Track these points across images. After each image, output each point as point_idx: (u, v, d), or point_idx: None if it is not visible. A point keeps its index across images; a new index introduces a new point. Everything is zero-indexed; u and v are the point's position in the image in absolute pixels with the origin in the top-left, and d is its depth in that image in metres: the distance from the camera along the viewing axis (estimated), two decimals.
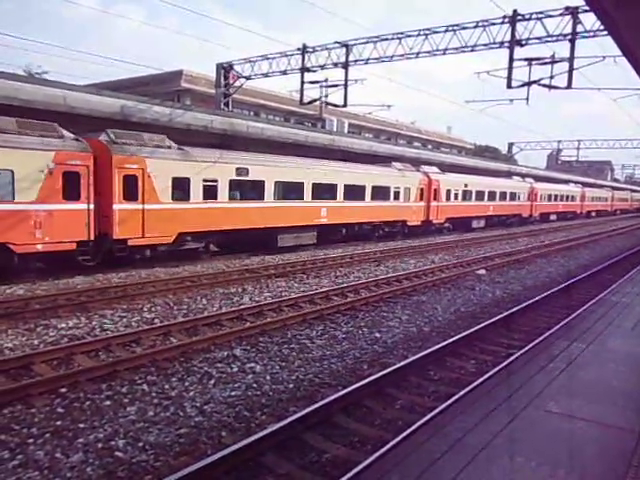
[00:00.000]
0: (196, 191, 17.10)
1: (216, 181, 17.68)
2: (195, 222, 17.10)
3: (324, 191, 22.35)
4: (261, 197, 19.47)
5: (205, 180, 17.34)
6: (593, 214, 61.15)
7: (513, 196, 40.35)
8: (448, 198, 31.44)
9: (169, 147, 16.60)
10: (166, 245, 16.41)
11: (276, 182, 19.93)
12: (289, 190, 20.73)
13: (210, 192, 17.55)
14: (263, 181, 19.43)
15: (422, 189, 29.05)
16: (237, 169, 18.36)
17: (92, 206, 14.38)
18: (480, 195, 35.33)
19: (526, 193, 42.45)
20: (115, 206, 14.82)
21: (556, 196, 48.95)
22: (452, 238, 29.19)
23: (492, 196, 36.93)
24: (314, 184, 21.66)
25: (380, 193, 25.83)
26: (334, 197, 22.98)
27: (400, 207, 27.38)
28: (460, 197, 32.84)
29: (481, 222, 36.34)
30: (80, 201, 14.15)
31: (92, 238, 14.45)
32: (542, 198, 45.43)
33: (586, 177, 69.60)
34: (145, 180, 15.48)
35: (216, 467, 4.98)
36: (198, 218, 17.15)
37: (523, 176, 45.36)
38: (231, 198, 18.33)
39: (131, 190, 15.20)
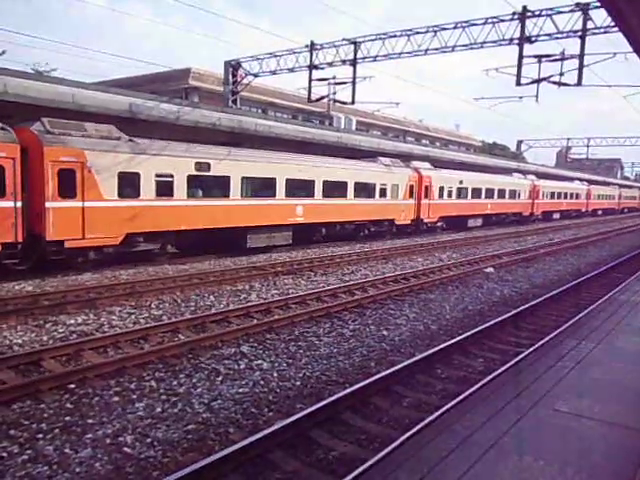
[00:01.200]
0: (147, 187, 15.72)
1: (171, 176, 16.32)
2: (147, 221, 15.68)
3: (300, 188, 20.95)
4: (226, 194, 18.12)
5: (159, 175, 15.97)
6: (599, 212, 59.93)
7: (513, 194, 39.00)
8: (441, 196, 30.04)
9: (118, 138, 15.25)
10: (113, 247, 15.06)
11: (244, 178, 18.59)
12: (259, 187, 19.41)
13: (164, 188, 16.19)
14: (228, 177, 18.08)
15: (412, 186, 27.61)
16: (197, 164, 16.99)
17: (20, 204, 13.02)
18: (477, 192, 33.86)
19: (527, 190, 41.07)
20: (48, 204, 13.44)
21: (559, 194, 47.47)
22: (459, 236, 29.09)
23: (490, 194, 35.58)
24: (288, 180, 20.29)
25: (364, 190, 24.47)
26: (311, 194, 21.49)
27: (387, 205, 25.97)
28: (455, 195, 31.42)
29: (478, 221, 34.97)
30: (5, 198, 12.79)
31: (20, 240, 13.05)
32: (544, 196, 44.02)
33: (595, 175, 68.91)
34: (85, 175, 14.12)
35: (223, 463, 4.99)
36: (151, 217, 15.74)
37: (525, 173, 43.99)
38: (191, 195, 17.00)
39: (68, 186, 13.83)
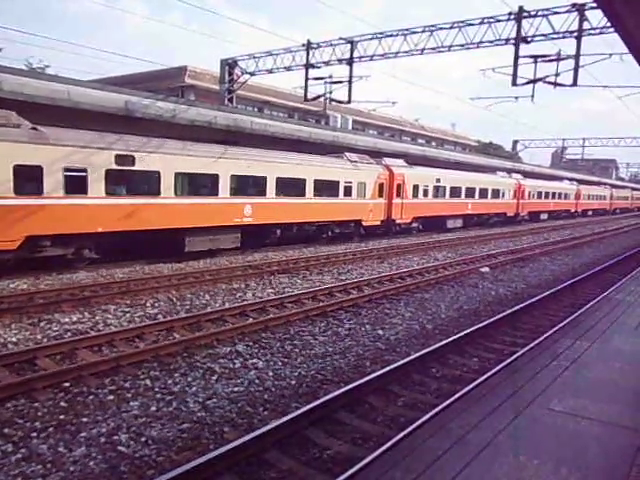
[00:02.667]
0: (53, 183, 13.71)
1: (84, 171, 14.27)
2: (54, 222, 13.70)
3: (248, 185, 19.20)
4: (157, 192, 16.08)
5: (68, 170, 13.92)
6: (590, 213, 58.76)
7: (496, 193, 37.35)
8: (416, 195, 28.23)
9: (17, 126, 13.19)
10: (10, 252, 13.03)
11: (177, 174, 16.63)
12: (198, 184, 17.65)
13: (76, 184, 14.10)
14: (158, 172, 16.05)
15: (381, 184, 25.70)
16: (118, 157, 14.93)
17: None
18: (456, 191, 32.15)
19: (512, 190, 39.55)
20: None
21: (547, 193, 46.07)
22: (456, 236, 29.13)
23: (471, 193, 33.84)
24: (234, 177, 18.42)
25: (326, 188, 22.48)
26: (262, 193, 19.53)
27: (353, 205, 24.05)
28: (431, 193, 29.66)
29: (458, 222, 33.25)
30: None
31: None
32: (530, 195, 42.62)
33: (589, 175, 68.92)
34: None
35: (218, 462, 4.98)
36: (59, 217, 13.76)
37: (510, 172, 42.46)
38: (111, 193, 14.89)
39: None
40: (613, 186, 70.73)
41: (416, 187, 28.24)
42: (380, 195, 25.78)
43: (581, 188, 54.46)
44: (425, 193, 29.19)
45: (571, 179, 55.69)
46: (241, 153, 18.94)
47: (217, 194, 17.95)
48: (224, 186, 18.14)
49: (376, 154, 27.66)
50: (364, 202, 24.82)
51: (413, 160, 30.28)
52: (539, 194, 44.41)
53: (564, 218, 49.88)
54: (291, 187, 20.89)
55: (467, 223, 34.36)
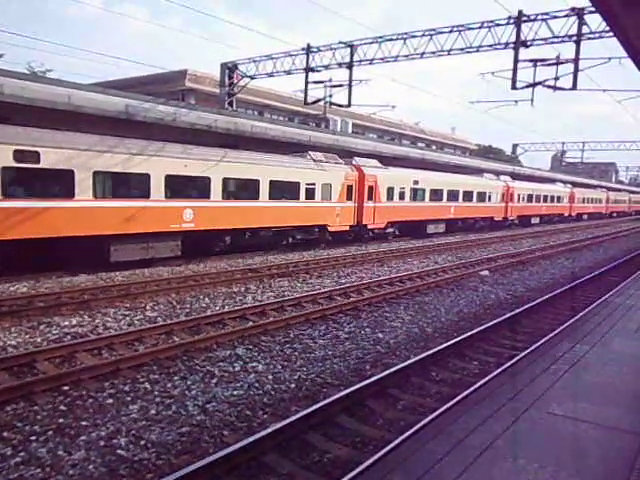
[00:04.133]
0: None
1: None
2: None
3: (188, 187, 17.30)
4: (70, 194, 14.09)
5: None
6: (585, 217, 57.03)
7: (482, 196, 35.38)
8: (390, 197, 26.19)
9: None
10: None
11: (97, 173, 14.57)
12: (124, 185, 15.59)
13: None
14: (72, 171, 14.05)
15: (350, 186, 23.72)
16: (17, 153, 12.97)
17: None
18: (437, 194, 30.20)
19: (499, 193, 37.57)
20: None
21: (538, 196, 44.07)
22: (455, 239, 29.12)
23: (453, 196, 31.91)
24: (170, 177, 16.37)
25: (284, 190, 20.53)
26: (205, 195, 17.60)
27: (316, 208, 21.91)
28: (408, 196, 27.66)
29: (440, 226, 31.23)
30: None
31: None
32: (520, 199, 40.82)
33: (590, 178, 68.72)
34: None
35: (218, 466, 4.98)
36: None
37: (498, 174, 40.71)
38: (9, 195, 12.99)
39: None
40: (609, 189, 69.05)
41: (391, 189, 26.30)
42: (349, 198, 23.84)
43: (575, 191, 52.87)
44: (401, 196, 27.20)
45: (565, 182, 54.37)
46: (178, 151, 16.93)
47: (149, 196, 15.89)
48: (157, 188, 16.07)
49: (345, 152, 26.30)
50: (330, 205, 22.78)
51: (388, 161, 28.92)
52: (529, 197, 42.60)
53: (564, 222, 49.57)
54: (241, 189, 19.11)
55: (450, 228, 32.54)
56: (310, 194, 21.72)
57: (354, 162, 25.00)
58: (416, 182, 28.34)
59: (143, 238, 15.84)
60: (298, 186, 21.18)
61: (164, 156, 16.31)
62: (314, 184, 21.85)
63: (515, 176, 43.97)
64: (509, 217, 39.46)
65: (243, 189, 19.18)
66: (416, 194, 28.45)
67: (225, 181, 18.22)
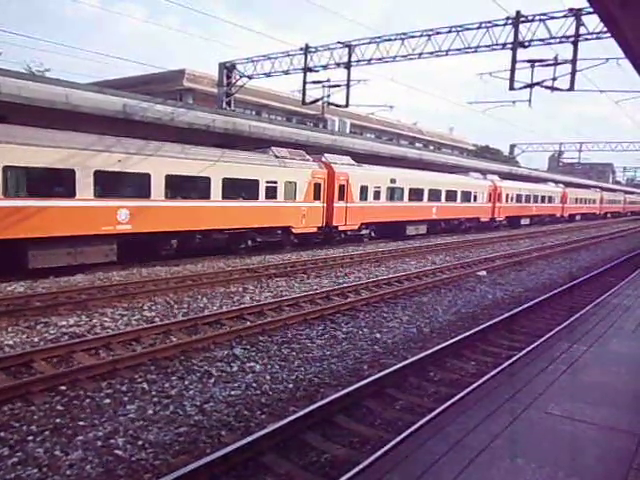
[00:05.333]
0: None
1: None
2: None
3: (124, 184, 15.59)
4: None
5: None
6: (578, 218, 55.65)
7: (467, 196, 33.69)
8: (364, 197, 24.63)
9: None
10: None
11: (8, 169, 13.00)
12: (44, 182, 13.92)
13: None
14: None
15: (317, 184, 22.02)
16: None
17: None
18: (417, 194, 28.57)
19: (486, 192, 35.94)
20: None
21: (528, 197, 42.58)
22: (453, 240, 29.14)
23: (435, 195, 30.27)
24: (99, 174, 14.64)
25: (240, 189, 18.98)
26: (144, 194, 15.90)
27: (278, 208, 20.33)
28: (384, 196, 26.08)
29: (421, 228, 29.65)
30: None
31: None
32: (509, 199, 39.28)
33: (587, 179, 68.73)
34: None
35: (215, 466, 4.97)
36: None
37: (484, 173, 38.93)
38: None
39: None
40: (604, 189, 67.80)
41: (364, 188, 24.69)
42: (317, 197, 22.14)
43: (567, 191, 51.49)
44: (376, 195, 25.57)
45: (557, 181, 53.39)
46: (110, 144, 15.15)
47: (74, 195, 14.20)
48: (84, 185, 14.36)
49: (315, 148, 25.09)
50: (294, 205, 21.06)
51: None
52: (519, 197, 41.17)
53: (561, 223, 49.50)
54: (189, 187, 17.46)
55: (433, 230, 31.15)
56: (271, 193, 20.09)
57: (324, 159, 23.40)
58: (393, 181, 26.75)
59: (69, 242, 14.11)
60: (257, 184, 19.53)
61: (93, 150, 14.60)
62: (276, 182, 20.25)
63: (504, 175, 42.85)
64: (497, 218, 38.12)
65: (191, 187, 17.52)
66: (393, 193, 26.88)
67: (168, 178, 16.46)
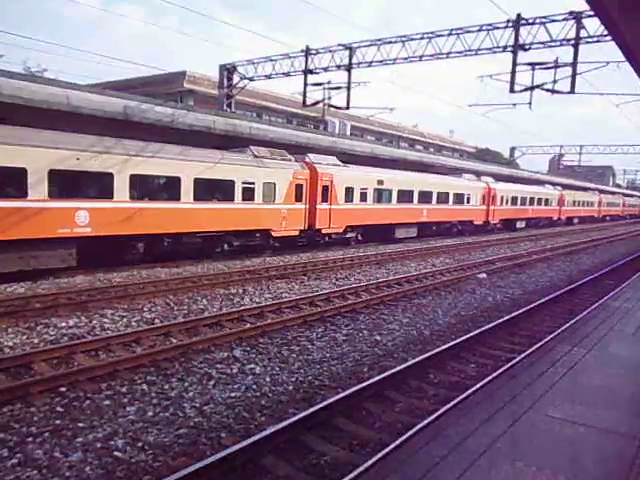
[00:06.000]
0: None
1: None
2: None
3: (83, 185, 14.61)
4: None
5: None
6: (576, 221, 54.76)
7: (459, 198, 32.83)
8: (350, 199, 23.80)
9: None
10: None
11: None
12: None
13: None
14: None
15: (299, 185, 21.12)
16: None
17: None
18: (406, 195, 27.78)
19: (480, 195, 35.14)
20: None
21: (524, 199, 41.77)
22: (453, 242, 29.14)
23: (426, 197, 29.46)
24: (56, 173, 13.72)
25: (214, 190, 18.12)
26: (106, 194, 14.84)
27: (256, 210, 19.33)
28: (371, 198, 25.26)
29: (411, 230, 28.74)
30: None
31: None
32: (504, 201, 38.37)
33: (587, 182, 68.59)
34: None
35: (215, 468, 4.96)
36: None
37: (479, 175, 38.07)
38: None
39: None
40: (602, 191, 67.14)
41: (350, 190, 23.81)
42: (298, 199, 21.14)
43: (565, 193, 50.77)
44: (363, 197, 24.67)
45: (554, 184, 52.49)
46: (69, 141, 14.16)
47: (26, 196, 13.27)
48: (38, 185, 13.46)
49: (299, 148, 24.32)
50: (273, 207, 20.09)
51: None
52: (514, 199, 40.23)
53: (560, 226, 49.41)
54: (156, 188, 16.55)
55: (424, 232, 30.14)
56: (248, 194, 19.05)
57: (307, 159, 22.39)
58: (381, 182, 25.81)
59: (20, 245, 13.12)
60: (232, 185, 18.49)
61: (48, 147, 13.56)
62: (253, 183, 19.20)
63: (499, 177, 41.76)
64: (491, 221, 37.14)
65: (159, 188, 16.62)
66: (381, 195, 26.05)
67: (134, 179, 15.42)
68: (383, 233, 26.69)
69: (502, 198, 38.16)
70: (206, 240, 18.05)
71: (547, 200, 46.82)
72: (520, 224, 42.54)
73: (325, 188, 22.30)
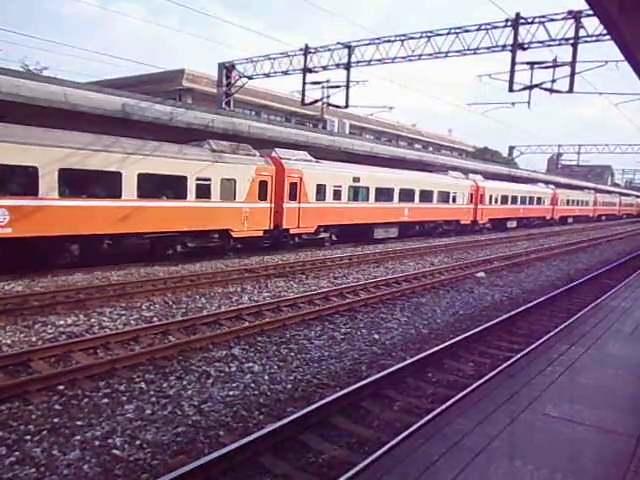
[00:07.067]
0: None
1: None
2: None
3: (3, 178, 13.18)
4: None
5: None
6: (570, 220, 53.51)
7: (445, 196, 31.62)
8: (322, 197, 22.36)
9: None
10: None
11: None
12: None
13: None
14: None
15: (263, 182, 19.61)
16: None
17: None
18: (385, 194, 26.37)
19: (467, 193, 33.78)
20: None
21: (515, 198, 40.53)
22: (451, 241, 29.15)
23: (408, 196, 28.01)
24: None
25: (162, 186, 16.67)
26: (30, 191, 13.37)
27: (213, 209, 17.88)
28: (346, 196, 23.79)
29: (392, 230, 27.24)
30: None
31: None
32: (493, 200, 37.11)
33: (586, 181, 68.46)
34: None
35: (213, 466, 4.97)
36: None
37: (466, 172, 36.59)
38: None
39: None
40: (598, 191, 65.95)
41: (322, 187, 22.37)
42: (263, 197, 19.71)
43: (558, 192, 49.61)
44: (337, 195, 23.24)
45: (547, 182, 51.50)
46: None
47: None
48: None
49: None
50: (233, 206, 18.62)
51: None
52: (504, 198, 38.87)
53: (560, 225, 49.39)
54: (92, 184, 14.87)
55: (406, 232, 28.67)
56: (203, 192, 17.58)
57: (274, 154, 20.96)
58: (357, 179, 24.36)
59: None
60: (184, 181, 16.97)
61: None
62: (209, 179, 17.72)
63: (489, 175, 40.66)
64: (479, 220, 35.68)
65: (95, 184, 14.93)
66: (357, 193, 24.61)
67: (63, 173, 13.86)
68: (360, 233, 25.33)
69: (491, 197, 37.01)
70: (155, 241, 16.77)
71: (539, 199, 45.85)
72: (511, 224, 41.36)
73: (293, 185, 20.95)
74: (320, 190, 22.31)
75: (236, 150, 19.07)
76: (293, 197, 20.91)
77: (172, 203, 16.76)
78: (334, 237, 24.09)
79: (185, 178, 16.95)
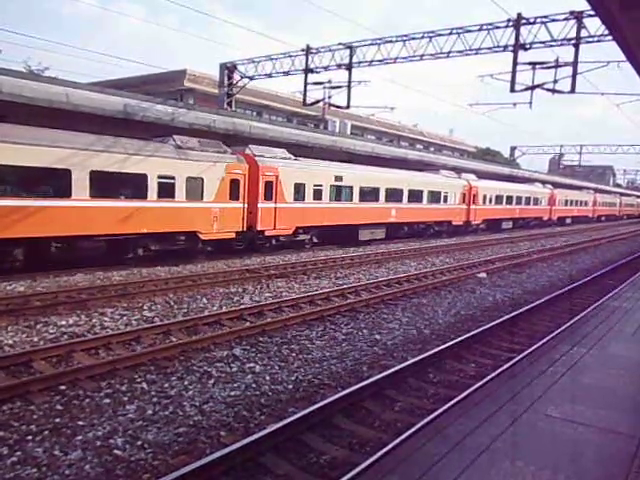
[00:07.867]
0: None
1: None
2: None
3: None
4: None
5: None
6: (568, 221, 52.56)
7: (435, 196, 30.44)
8: (300, 197, 21.29)
9: None
10: None
11: None
12: None
13: None
14: None
15: (235, 181, 18.58)
16: None
17: None
18: (371, 193, 25.36)
19: (459, 193, 32.76)
20: None
21: (510, 198, 39.29)
22: (452, 241, 29.12)
23: (395, 196, 26.99)
24: None
25: (120, 185, 15.62)
26: None
27: (178, 210, 16.81)
28: (328, 196, 22.72)
29: (378, 232, 26.07)
30: None
31: None
32: (487, 200, 35.98)
33: (587, 181, 68.30)
34: None
35: (214, 467, 4.96)
36: None
37: (459, 171, 35.59)
38: None
39: None
40: (598, 191, 65.10)
41: (300, 187, 21.31)
42: (234, 197, 18.65)
43: (556, 192, 48.45)
44: (317, 195, 22.14)
45: (544, 182, 50.57)
46: None
47: None
48: None
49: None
50: (201, 206, 17.54)
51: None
52: (499, 198, 37.69)
53: (562, 226, 49.23)
54: (38, 183, 13.87)
55: (393, 234, 27.58)
56: (167, 191, 16.47)
57: (248, 151, 19.94)
58: (339, 178, 23.23)
59: None
60: (144, 180, 15.82)
61: None
62: (173, 178, 16.60)
63: (483, 175, 39.25)
64: (473, 221, 34.60)
65: (41, 183, 13.94)
66: (340, 193, 23.55)
67: (5, 171, 13.01)
68: (344, 235, 24.27)
69: (485, 197, 35.89)
70: (113, 244, 15.63)
71: (536, 199, 44.76)
72: (506, 225, 40.18)
73: (269, 184, 19.80)
74: (299, 189, 21.30)
75: (204, 147, 18.01)
76: (269, 197, 19.86)
77: (130, 203, 15.56)
78: (315, 239, 23.02)
79: (145, 176, 15.85)
